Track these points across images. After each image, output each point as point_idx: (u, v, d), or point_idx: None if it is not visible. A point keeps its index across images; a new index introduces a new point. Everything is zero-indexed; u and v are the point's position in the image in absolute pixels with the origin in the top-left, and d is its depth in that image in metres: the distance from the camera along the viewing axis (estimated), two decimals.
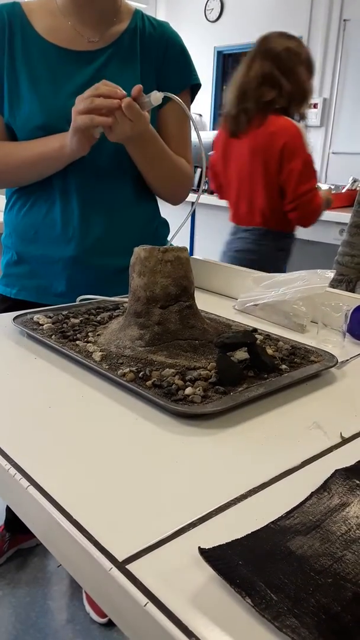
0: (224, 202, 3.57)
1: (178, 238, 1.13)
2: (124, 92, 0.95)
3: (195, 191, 3.42)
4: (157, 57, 1.14)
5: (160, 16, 6.50)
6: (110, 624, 1.44)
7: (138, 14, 1.16)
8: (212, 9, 6.26)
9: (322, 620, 0.34)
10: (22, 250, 1.15)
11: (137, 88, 0.94)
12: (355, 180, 3.34)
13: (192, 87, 1.20)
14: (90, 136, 1.00)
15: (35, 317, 0.89)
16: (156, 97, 0.94)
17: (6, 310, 1.16)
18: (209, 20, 6.33)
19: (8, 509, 1.63)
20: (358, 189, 1.67)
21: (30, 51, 1.08)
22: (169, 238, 1.26)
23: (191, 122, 1.00)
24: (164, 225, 1.27)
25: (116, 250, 1.12)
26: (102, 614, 1.45)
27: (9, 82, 1.07)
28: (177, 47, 1.17)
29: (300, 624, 0.34)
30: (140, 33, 1.13)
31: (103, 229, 1.12)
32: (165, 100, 1.04)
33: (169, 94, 0.94)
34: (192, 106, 1.23)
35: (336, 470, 0.52)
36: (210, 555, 0.39)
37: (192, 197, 1.40)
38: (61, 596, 1.54)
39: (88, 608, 1.49)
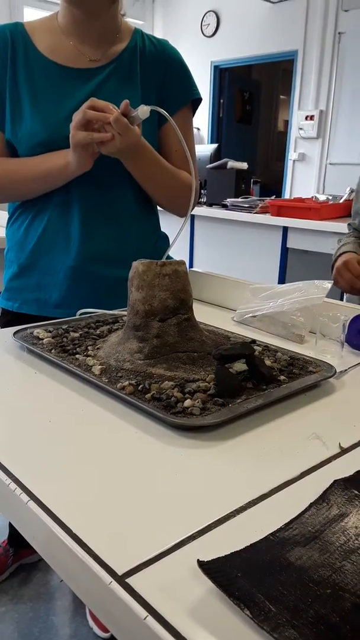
0: (222, 214, 3.60)
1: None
2: (117, 108, 0.96)
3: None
4: (158, 74, 1.16)
5: (158, 31, 6.58)
6: (113, 639, 1.43)
7: (138, 33, 1.18)
8: (209, 24, 6.34)
9: (321, 631, 0.34)
10: (23, 262, 1.16)
11: (124, 103, 0.96)
12: (352, 191, 3.36)
13: (193, 102, 1.22)
14: (92, 151, 1.02)
15: (35, 332, 0.90)
16: (143, 110, 0.95)
17: (7, 324, 1.17)
18: (206, 35, 6.40)
19: (11, 524, 1.62)
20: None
21: (32, 69, 1.10)
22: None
23: (177, 133, 1.00)
24: (164, 240, 1.28)
25: (116, 261, 1.13)
26: (105, 629, 1.44)
27: (11, 100, 1.09)
28: (178, 64, 1.19)
29: (299, 635, 0.34)
30: (141, 51, 1.15)
31: (103, 239, 1.14)
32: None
33: (155, 108, 0.95)
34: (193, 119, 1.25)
35: (335, 481, 0.52)
36: (209, 568, 0.39)
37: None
38: (64, 611, 1.53)
39: (91, 623, 1.48)
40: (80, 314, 1.01)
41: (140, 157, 1.08)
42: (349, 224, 1.65)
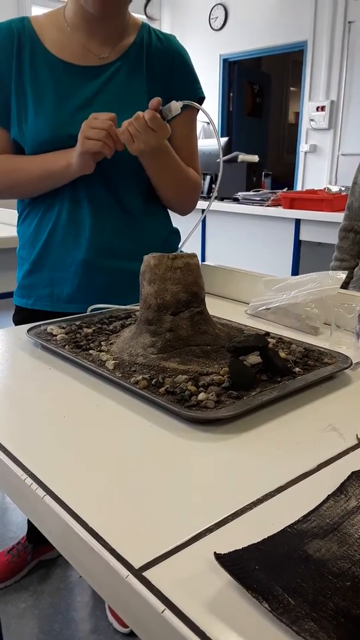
0: (234, 208, 3.58)
1: (189, 245, 1.14)
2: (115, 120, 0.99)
3: (205, 198, 3.43)
4: (164, 70, 1.15)
5: (165, 25, 6.56)
6: (133, 634, 1.44)
7: (145, 28, 1.17)
8: (217, 17, 6.31)
9: (341, 623, 0.34)
10: (35, 259, 1.17)
11: (157, 100, 0.97)
12: None
13: (198, 100, 1.21)
14: (97, 156, 1.03)
15: (49, 328, 0.90)
16: (175, 106, 0.95)
17: (22, 321, 1.18)
18: (214, 29, 6.37)
19: (30, 521, 1.64)
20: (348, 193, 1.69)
21: (37, 66, 1.09)
22: (179, 245, 1.26)
23: (213, 129, 1.02)
24: (175, 234, 1.28)
25: (127, 255, 1.14)
26: (125, 624, 1.45)
27: (16, 98, 1.09)
28: (183, 62, 1.18)
29: (319, 628, 0.33)
30: (147, 46, 1.15)
31: (114, 234, 1.14)
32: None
33: (189, 102, 0.95)
34: (199, 115, 1.25)
35: (353, 473, 0.51)
36: (227, 561, 0.39)
37: (202, 204, 1.41)
38: (84, 607, 1.54)
39: (111, 618, 1.48)
40: (92, 310, 1.01)
41: (161, 154, 1.09)
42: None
